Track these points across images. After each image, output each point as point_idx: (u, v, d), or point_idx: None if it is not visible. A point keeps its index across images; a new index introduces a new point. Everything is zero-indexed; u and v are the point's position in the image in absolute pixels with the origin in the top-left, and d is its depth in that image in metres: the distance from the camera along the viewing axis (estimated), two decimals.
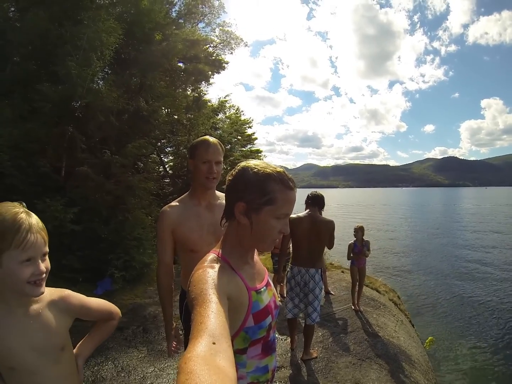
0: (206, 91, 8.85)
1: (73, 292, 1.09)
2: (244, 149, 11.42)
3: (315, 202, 3.55)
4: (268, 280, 1.12)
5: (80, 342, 1.15)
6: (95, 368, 3.15)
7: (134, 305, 4.86)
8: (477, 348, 6.48)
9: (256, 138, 11.73)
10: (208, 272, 0.85)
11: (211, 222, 1.72)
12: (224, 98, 10.08)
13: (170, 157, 9.91)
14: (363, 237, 5.14)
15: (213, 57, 9.01)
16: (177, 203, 1.77)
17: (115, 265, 5.18)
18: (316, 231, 3.36)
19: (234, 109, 10.76)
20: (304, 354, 3.60)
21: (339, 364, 3.69)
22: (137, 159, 6.63)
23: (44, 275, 0.93)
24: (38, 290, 0.93)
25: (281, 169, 0.96)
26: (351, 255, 5.16)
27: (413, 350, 4.73)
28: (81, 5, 6.06)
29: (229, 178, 0.99)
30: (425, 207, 50.65)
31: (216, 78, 9.56)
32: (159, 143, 8.95)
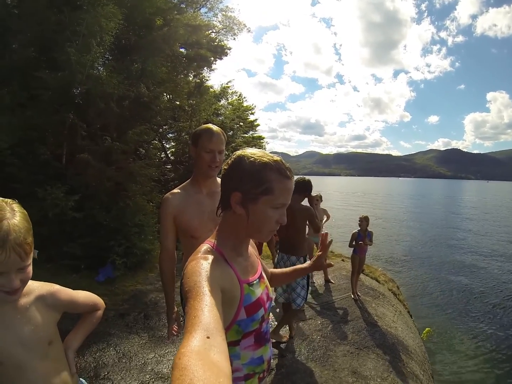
0: (208, 77, 8.78)
1: (62, 287, 1.09)
2: (246, 135, 11.35)
3: (295, 189, 3.51)
4: (261, 272, 1.11)
5: (68, 334, 1.16)
6: (97, 354, 3.21)
7: (135, 292, 4.92)
8: (475, 338, 6.56)
9: (258, 125, 11.65)
10: (202, 264, 0.84)
11: (212, 209, 1.69)
12: (227, 84, 9.97)
13: (172, 143, 9.86)
14: (367, 228, 5.15)
15: (216, 43, 8.86)
16: (179, 190, 1.81)
17: (117, 252, 5.20)
18: (293, 219, 3.27)
19: (236, 95, 10.67)
20: (272, 333, 3.49)
21: (337, 353, 3.75)
22: (138, 145, 6.60)
23: (17, 288, 0.90)
24: (12, 298, 0.91)
25: (278, 158, 0.94)
26: (353, 243, 5.19)
27: (410, 341, 4.79)
28: None
29: (225, 167, 0.97)
30: (427, 198, 50.49)
31: (218, 64, 9.44)
32: (161, 129, 8.87)
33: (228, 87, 9.89)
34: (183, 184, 1.86)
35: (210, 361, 0.51)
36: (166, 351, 3.36)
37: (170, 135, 9.64)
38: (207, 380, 0.45)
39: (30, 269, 0.93)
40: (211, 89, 8.96)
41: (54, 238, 4.85)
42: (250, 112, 11.20)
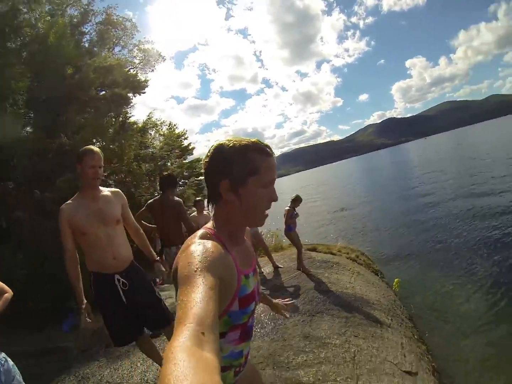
0: (131, 114, 8.98)
1: None
2: (185, 161, 11.72)
3: (162, 186, 3.85)
4: (255, 266, 1.11)
5: None
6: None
7: (98, 329, 4.94)
8: (445, 277, 6.77)
9: (193, 148, 12.03)
10: (202, 248, 0.82)
11: (96, 209, 2.26)
12: (148, 117, 10.22)
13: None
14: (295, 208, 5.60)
15: (135, 78, 9.13)
16: (71, 201, 2.28)
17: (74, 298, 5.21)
18: (164, 213, 3.62)
19: (166, 125, 10.93)
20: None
21: (287, 325, 3.72)
22: (70, 193, 6.66)
23: None
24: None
25: (255, 139, 0.96)
26: (290, 220, 5.59)
27: (372, 294, 4.93)
28: None
29: (206, 160, 0.96)
30: (375, 171, 51.61)
31: (144, 97, 9.69)
32: None
33: (150, 118, 10.12)
34: (74, 196, 2.32)
35: (203, 358, 0.50)
36: (120, 365, 3.42)
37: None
38: (199, 376, 0.44)
39: None
40: (135, 125, 9.14)
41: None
42: (183, 137, 11.55)
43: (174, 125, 11.55)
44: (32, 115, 6.57)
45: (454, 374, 3.92)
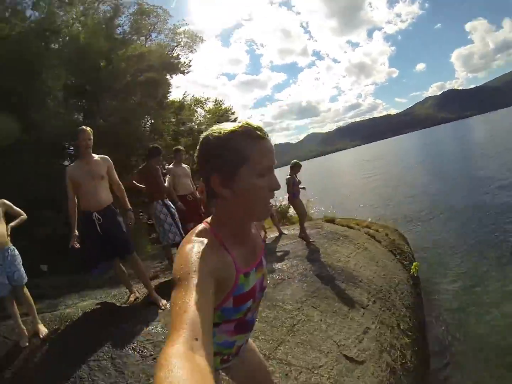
0: (169, 93, 9.63)
1: None
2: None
3: (148, 156, 4.51)
4: (261, 258, 1.05)
5: None
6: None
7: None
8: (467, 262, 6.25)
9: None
10: (197, 249, 0.79)
11: (88, 169, 3.18)
12: (184, 95, 10.73)
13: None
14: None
15: (170, 61, 9.72)
16: (73, 164, 3.31)
17: None
18: (147, 177, 4.33)
19: (211, 102, 11.36)
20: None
21: None
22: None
23: None
24: None
25: (245, 121, 0.87)
26: (293, 187, 5.58)
27: (367, 272, 4.62)
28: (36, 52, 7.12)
29: (196, 155, 0.89)
30: (434, 147, 44.92)
31: (194, 76, 10.28)
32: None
33: (185, 97, 10.59)
34: (75, 161, 3.33)
35: (197, 364, 0.51)
36: None
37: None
38: (194, 382, 0.45)
39: None
40: (174, 103, 9.73)
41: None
42: (230, 112, 11.85)
43: (220, 101, 11.98)
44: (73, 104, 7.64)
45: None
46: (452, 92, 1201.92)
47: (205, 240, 0.83)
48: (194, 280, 0.69)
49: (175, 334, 0.56)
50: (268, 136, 0.87)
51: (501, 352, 3.64)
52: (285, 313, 3.26)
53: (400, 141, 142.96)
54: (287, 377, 2.44)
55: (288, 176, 5.60)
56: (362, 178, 25.22)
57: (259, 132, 0.84)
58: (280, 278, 4.01)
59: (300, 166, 5.69)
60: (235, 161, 0.82)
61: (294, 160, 5.72)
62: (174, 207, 4.39)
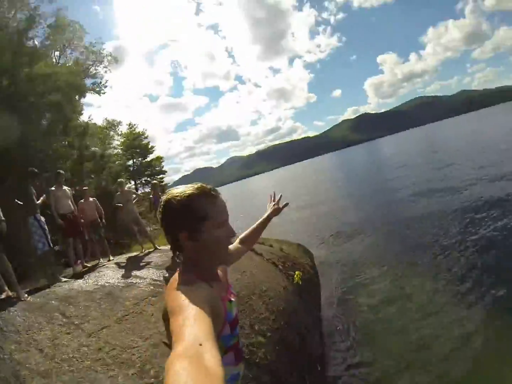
0: (78, 116, 9.29)
1: None
2: (147, 159, 12.03)
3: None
4: (232, 292, 1.14)
5: None
6: None
7: None
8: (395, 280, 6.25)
9: (152, 147, 12.38)
10: (185, 287, 0.86)
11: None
12: (89, 119, 10.42)
13: None
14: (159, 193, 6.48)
15: (82, 82, 9.40)
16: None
17: None
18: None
19: (123, 125, 11.20)
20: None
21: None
22: None
23: None
24: None
25: (199, 184, 0.99)
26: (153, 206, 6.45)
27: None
28: None
29: (160, 216, 0.99)
30: (348, 166, 51.02)
31: (116, 96, 10.08)
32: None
33: (90, 121, 10.29)
34: None
35: (203, 365, 0.52)
36: None
37: None
38: (201, 382, 0.46)
39: None
40: (80, 128, 9.38)
41: None
42: (143, 136, 11.81)
43: (134, 124, 11.91)
44: None
45: None
46: (366, 116, 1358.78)
47: (188, 280, 0.92)
48: (191, 304, 0.75)
49: (179, 343, 0.60)
50: (219, 193, 1.02)
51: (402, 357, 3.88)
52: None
53: (316, 163, 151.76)
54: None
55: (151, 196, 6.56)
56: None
57: (213, 192, 0.99)
58: (131, 282, 4.69)
59: (159, 185, 6.41)
60: (199, 218, 0.95)
61: (154, 181, 6.47)
62: (44, 221, 4.96)
